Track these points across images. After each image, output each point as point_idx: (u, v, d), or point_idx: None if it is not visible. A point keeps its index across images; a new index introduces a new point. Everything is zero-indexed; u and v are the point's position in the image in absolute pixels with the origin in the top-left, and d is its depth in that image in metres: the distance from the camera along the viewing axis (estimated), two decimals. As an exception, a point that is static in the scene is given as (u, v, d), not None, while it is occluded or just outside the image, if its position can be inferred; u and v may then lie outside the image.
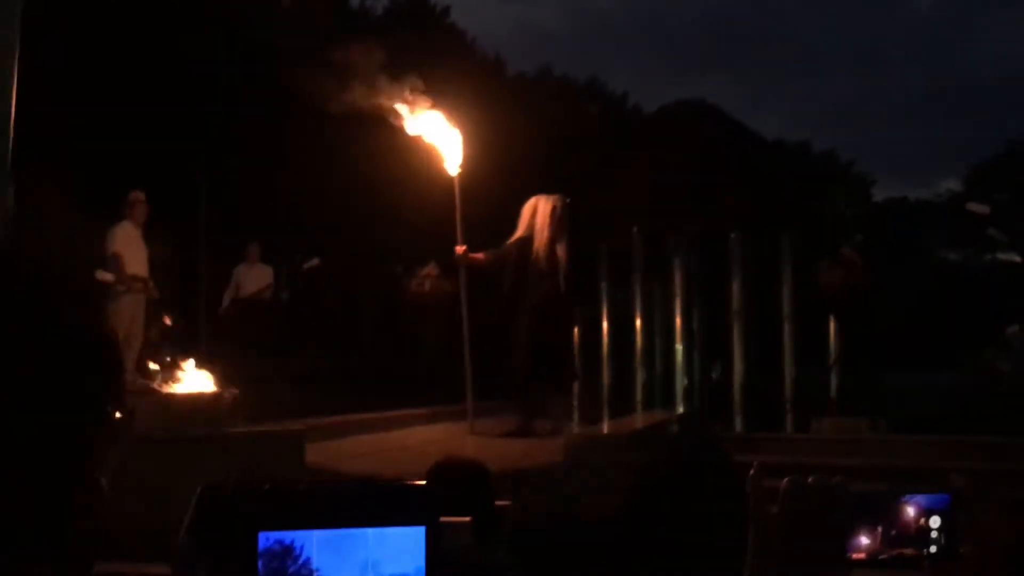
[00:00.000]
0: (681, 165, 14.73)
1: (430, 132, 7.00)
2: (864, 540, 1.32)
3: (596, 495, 5.72)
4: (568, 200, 7.17)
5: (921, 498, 1.36)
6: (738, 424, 8.90)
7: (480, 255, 7.20)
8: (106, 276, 8.12)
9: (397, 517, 0.88)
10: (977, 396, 9.56)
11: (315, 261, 10.70)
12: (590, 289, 9.28)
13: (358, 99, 6.66)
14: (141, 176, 9.26)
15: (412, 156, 7.51)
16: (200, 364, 4.78)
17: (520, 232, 7.15)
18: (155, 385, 4.58)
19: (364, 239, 14.25)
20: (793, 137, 35.04)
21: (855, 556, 1.30)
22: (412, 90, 6.84)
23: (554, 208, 7.05)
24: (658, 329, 10.15)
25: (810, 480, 0.95)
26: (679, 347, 9.73)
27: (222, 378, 4.79)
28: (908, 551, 1.35)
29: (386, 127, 7.22)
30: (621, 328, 10.07)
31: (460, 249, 7.10)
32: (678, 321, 9.77)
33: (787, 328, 9.17)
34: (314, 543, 0.85)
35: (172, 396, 4.41)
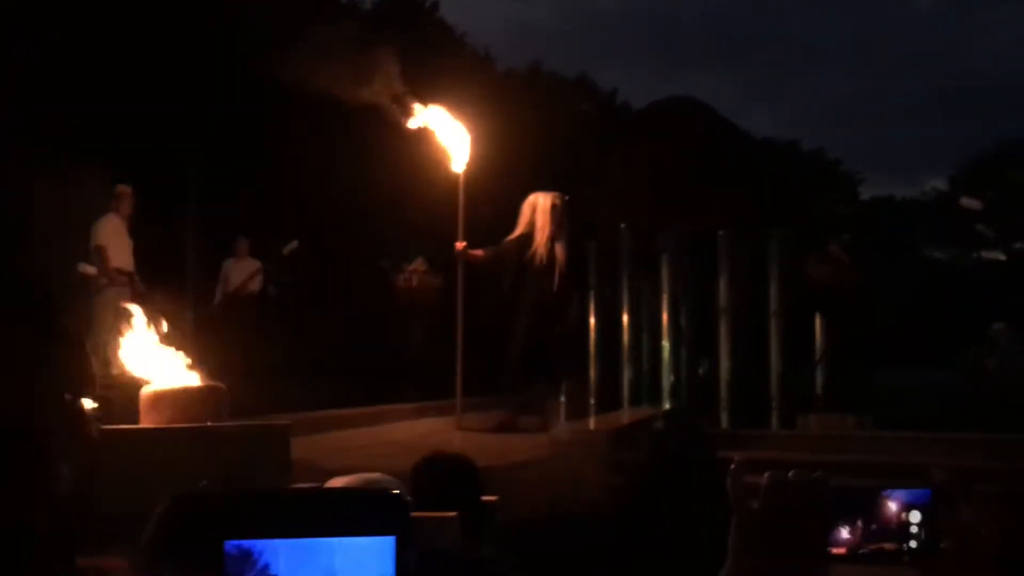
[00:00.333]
0: (670, 162, 14.74)
1: (435, 129, 6.97)
2: (844, 535, 1.32)
3: (583, 491, 5.73)
4: (567, 197, 7.18)
5: (902, 493, 1.36)
6: (724, 420, 8.94)
7: (479, 252, 7.19)
8: (89, 269, 8.07)
9: (367, 526, 0.87)
10: (964, 393, 9.61)
11: (295, 244, 10.62)
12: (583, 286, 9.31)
13: (351, 92, 6.63)
14: (130, 169, 9.21)
15: (404, 152, 7.49)
16: (186, 358, 4.76)
17: (520, 229, 7.15)
18: (137, 379, 4.55)
19: (353, 233, 14.22)
20: (782, 136, 35.10)
21: (835, 551, 1.30)
22: (406, 87, 6.81)
23: (554, 205, 7.06)
24: (645, 326, 10.17)
25: (791, 475, 0.95)
26: (666, 344, 9.75)
27: (207, 372, 4.77)
28: (888, 546, 1.35)
29: (376, 122, 7.20)
30: (608, 325, 10.10)
31: (460, 246, 7.08)
32: (665, 318, 9.79)
33: (774, 325, 9.20)
34: (279, 552, 0.85)
35: (155, 390, 4.38)
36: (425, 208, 10.75)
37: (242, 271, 10.45)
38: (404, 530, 0.88)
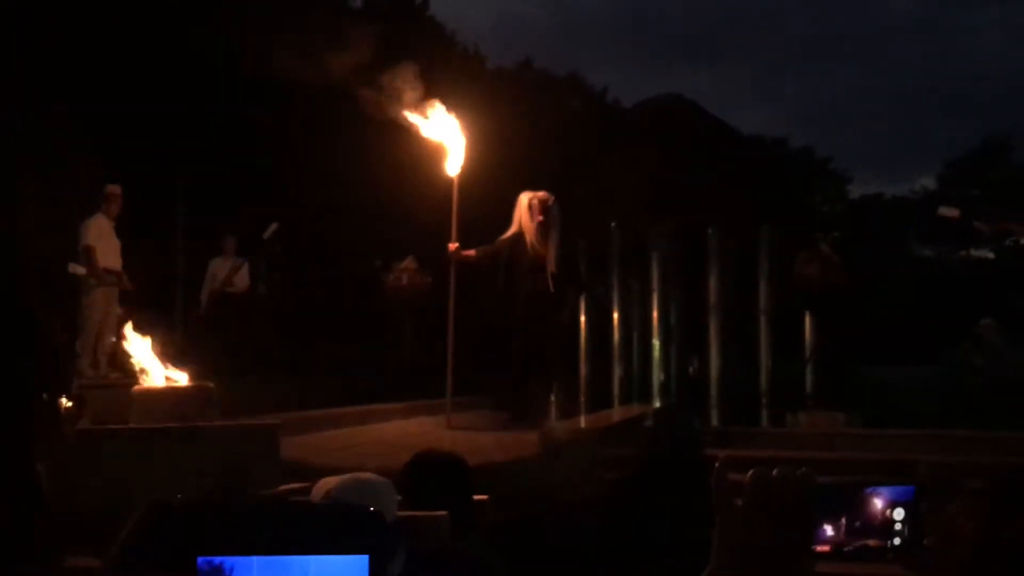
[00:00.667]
0: (660, 160, 14.75)
1: (428, 131, 6.96)
2: (828, 532, 1.32)
3: (573, 488, 5.74)
4: (550, 196, 7.20)
5: (886, 490, 1.37)
6: (714, 418, 8.95)
7: (472, 252, 7.21)
8: (78, 269, 8.06)
9: (341, 544, 0.86)
10: (953, 390, 9.63)
11: (274, 226, 10.50)
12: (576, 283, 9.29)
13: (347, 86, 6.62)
14: (121, 169, 9.18)
15: (395, 152, 7.46)
16: (175, 357, 4.75)
17: (513, 228, 7.19)
18: (127, 378, 4.55)
19: (343, 232, 14.19)
20: (772, 133, 35.18)
21: (819, 548, 1.30)
22: (406, 84, 6.80)
23: (542, 202, 7.09)
24: (635, 324, 10.19)
25: (775, 472, 0.94)
26: (656, 342, 9.77)
27: (196, 371, 4.76)
28: (872, 543, 1.36)
29: (367, 121, 7.18)
30: (598, 322, 10.11)
31: (452, 246, 7.11)
32: (655, 316, 9.81)
33: (763, 323, 9.23)
34: (252, 568, 0.84)
35: (145, 390, 4.37)
36: (416, 207, 10.74)
37: (228, 269, 10.41)
38: (379, 549, 0.87)
